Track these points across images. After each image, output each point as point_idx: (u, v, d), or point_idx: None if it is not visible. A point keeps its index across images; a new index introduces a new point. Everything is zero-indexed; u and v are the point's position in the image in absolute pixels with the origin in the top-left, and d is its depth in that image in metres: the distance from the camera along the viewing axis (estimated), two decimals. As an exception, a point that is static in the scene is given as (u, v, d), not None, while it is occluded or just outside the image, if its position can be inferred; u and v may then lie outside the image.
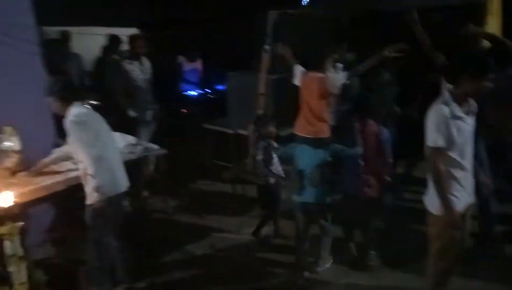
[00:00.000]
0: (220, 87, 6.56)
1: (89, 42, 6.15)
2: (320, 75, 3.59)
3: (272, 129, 3.36)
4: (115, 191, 2.68)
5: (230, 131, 4.71)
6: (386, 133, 3.00)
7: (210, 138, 5.02)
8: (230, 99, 5.01)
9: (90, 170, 2.53)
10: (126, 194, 2.85)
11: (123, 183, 2.79)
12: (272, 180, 3.38)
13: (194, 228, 3.87)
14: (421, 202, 2.41)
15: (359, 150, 2.95)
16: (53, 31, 5.69)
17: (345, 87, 3.65)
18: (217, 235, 3.74)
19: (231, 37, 6.65)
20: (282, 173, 3.43)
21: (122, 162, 2.86)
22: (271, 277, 3.18)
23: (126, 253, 2.97)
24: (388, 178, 3.03)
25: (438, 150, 2.14)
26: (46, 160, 2.93)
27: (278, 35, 4.23)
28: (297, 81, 3.75)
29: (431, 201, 2.27)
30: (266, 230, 3.61)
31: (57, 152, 3.00)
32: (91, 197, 2.60)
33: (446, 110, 2.12)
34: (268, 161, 3.33)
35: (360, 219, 3.20)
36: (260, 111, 4.23)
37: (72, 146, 2.63)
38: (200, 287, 3.02)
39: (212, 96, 6.69)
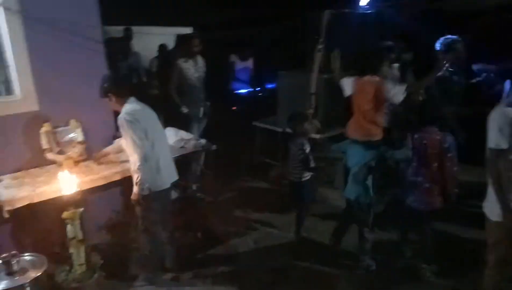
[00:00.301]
0: (271, 85, 6.59)
1: (147, 41, 6.45)
2: (375, 79, 3.42)
3: (308, 126, 3.36)
4: (160, 187, 2.77)
5: (279, 130, 4.70)
6: (450, 140, 2.81)
7: (259, 136, 5.06)
8: (280, 97, 5.00)
9: (136, 166, 2.65)
10: (175, 186, 2.95)
11: (169, 179, 2.86)
12: (305, 178, 3.37)
13: (239, 223, 3.92)
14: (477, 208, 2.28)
15: (407, 154, 2.83)
16: (114, 30, 5.99)
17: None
18: (262, 232, 3.76)
19: (284, 37, 6.64)
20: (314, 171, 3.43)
21: (171, 158, 2.95)
22: (311, 276, 3.15)
23: (174, 243, 3.09)
24: (454, 189, 2.83)
25: (500, 153, 2.09)
26: (107, 148, 3.11)
27: (332, 34, 4.16)
28: (347, 92, 3.48)
29: (491, 207, 2.18)
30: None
31: (116, 143, 3.16)
32: (135, 189, 2.72)
33: (510, 112, 2.09)
34: (302, 159, 3.32)
35: (418, 231, 3.06)
36: (310, 111, 4.19)
37: (123, 142, 2.76)
38: (242, 282, 3.05)
39: (262, 95, 6.74)
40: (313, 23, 4.36)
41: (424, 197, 2.84)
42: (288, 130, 3.55)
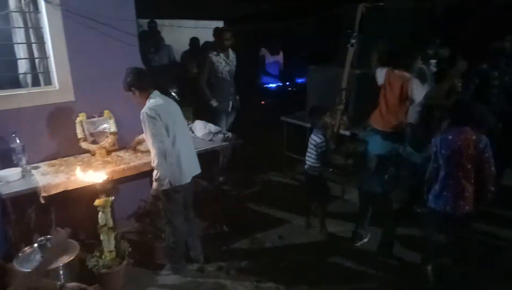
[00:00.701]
0: (300, 80, 6.51)
1: (179, 34, 6.50)
2: (403, 74, 3.43)
3: (327, 120, 3.38)
4: (181, 181, 2.79)
5: (307, 125, 4.65)
6: (485, 140, 2.65)
7: (286, 131, 5.03)
8: (309, 92, 4.95)
9: (154, 162, 2.68)
10: (202, 178, 2.96)
11: (191, 173, 2.87)
12: (323, 171, 3.42)
13: (265, 217, 3.93)
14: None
15: (424, 158, 2.80)
16: (146, 23, 6.09)
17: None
18: (287, 226, 3.76)
19: (316, 31, 6.53)
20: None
21: (193, 152, 2.97)
22: (337, 271, 3.13)
23: (198, 235, 3.14)
24: (491, 189, 2.67)
25: None
26: (141, 136, 3.14)
27: (366, 29, 4.05)
28: (380, 80, 3.70)
29: None
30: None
31: None
32: (154, 183, 2.76)
33: None
34: (321, 152, 3.35)
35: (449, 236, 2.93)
36: (340, 106, 4.12)
37: (145, 136, 2.76)
38: (266, 275, 3.05)
39: (291, 89, 6.68)
40: (347, 17, 4.26)
41: (456, 200, 2.72)
42: (308, 124, 3.59)
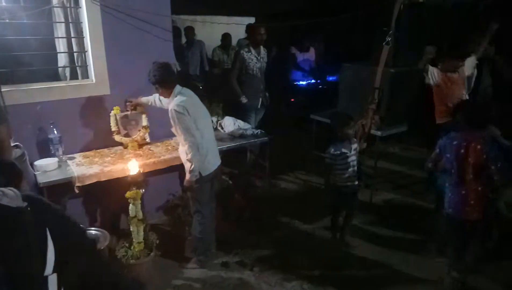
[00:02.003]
0: (332, 78, 6.41)
1: (210, 30, 6.55)
2: (455, 76, 3.56)
3: (348, 131, 3.11)
4: (208, 170, 2.86)
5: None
6: (495, 149, 2.53)
7: (315, 129, 4.96)
8: (341, 90, 4.85)
9: (188, 155, 2.72)
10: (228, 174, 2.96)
11: (215, 162, 2.95)
12: (345, 184, 3.17)
13: (291, 216, 3.90)
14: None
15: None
16: (178, 19, 6.16)
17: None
18: (313, 226, 3.71)
19: (349, 28, 6.40)
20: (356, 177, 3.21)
21: (215, 141, 3.03)
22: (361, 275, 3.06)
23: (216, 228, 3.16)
24: (495, 206, 2.64)
25: None
26: (143, 99, 3.20)
27: (403, 26, 3.92)
28: (433, 80, 3.73)
29: None
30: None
31: (153, 97, 3.19)
32: (189, 177, 2.80)
33: None
34: (342, 165, 3.13)
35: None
36: (372, 106, 4.01)
37: (175, 132, 2.81)
38: (290, 273, 3.04)
39: (322, 87, 6.58)
40: (382, 14, 4.13)
41: (459, 205, 2.65)
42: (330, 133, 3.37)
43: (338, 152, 3.12)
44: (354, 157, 3.17)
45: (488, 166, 2.52)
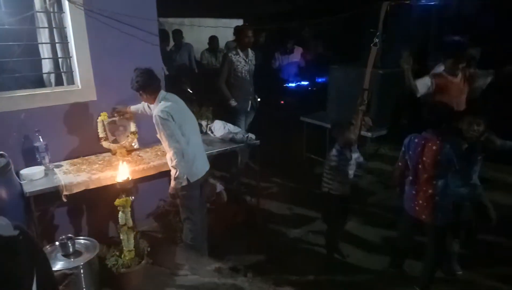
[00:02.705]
0: (322, 79, 6.42)
1: (198, 32, 6.51)
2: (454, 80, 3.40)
3: (349, 136, 3.04)
4: (196, 177, 2.84)
5: (327, 126, 4.58)
6: (446, 149, 2.53)
7: (306, 131, 4.96)
8: (330, 92, 4.87)
9: (172, 162, 2.69)
10: (219, 178, 2.93)
11: (203, 168, 2.93)
12: (344, 190, 3.11)
13: (283, 219, 3.89)
14: None
15: None
16: (166, 22, 6.11)
17: None
18: (304, 230, 3.70)
19: (337, 29, 6.43)
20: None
21: (203, 147, 3.01)
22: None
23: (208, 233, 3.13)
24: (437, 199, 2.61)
25: None
26: (131, 107, 3.15)
27: (390, 28, 3.94)
28: (423, 91, 3.49)
29: None
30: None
31: (141, 105, 3.14)
32: (174, 184, 2.78)
33: None
34: (341, 171, 3.06)
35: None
36: (362, 107, 4.02)
37: (160, 138, 2.77)
38: (282, 279, 3.01)
39: (311, 89, 6.60)
40: (370, 15, 4.16)
41: (410, 202, 2.74)
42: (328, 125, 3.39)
43: (340, 156, 3.05)
44: (354, 167, 3.10)
45: (440, 167, 2.55)
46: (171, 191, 2.81)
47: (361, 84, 4.09)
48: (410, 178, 2.73)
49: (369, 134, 4.26)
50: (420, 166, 2.63)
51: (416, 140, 2.66)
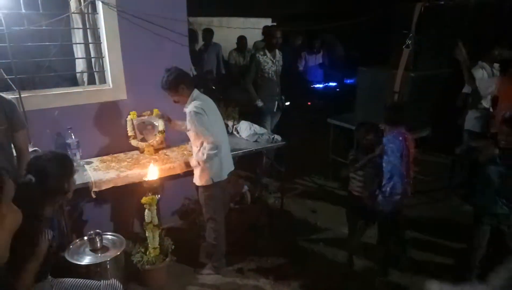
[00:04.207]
0: (350, 81, 6.32)
1: (226, 32, 6.52)
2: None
3: (370, 138, 2.92)
4: (221, 178, 2.85)
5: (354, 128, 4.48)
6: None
7: (333, 133, 4.88)
8: (359, 94, 4.76)
9: (205, 157, 2.69)
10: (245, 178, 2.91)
11: (229, 168, 2.94)
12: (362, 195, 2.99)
13: (306, 223, 3.85)
14: None
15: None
16: (195, 21, 6.15)
17: None
18: (331, 233, 3.65)
19: (369, 30, 6.29)
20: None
21: (229, 147, 3.02)
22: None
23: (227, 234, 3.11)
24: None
25: None
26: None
27: (423, 29, 3.81)
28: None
29: None
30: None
31: None
32: (198, 179, 2.81)
33: None
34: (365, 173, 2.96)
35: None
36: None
37: (191, 134, 2.79)
38: (305, 281, 2.99)
39: (338, 90, 6.50)
40: (402, 16, 4.04)
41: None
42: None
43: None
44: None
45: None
46: (206, 189, 2.83)
47: (391, 87, 3.98)
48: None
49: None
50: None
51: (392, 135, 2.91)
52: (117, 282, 2.09)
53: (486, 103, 3.81)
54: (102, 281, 2.07)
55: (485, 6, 4.57)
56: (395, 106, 3.31)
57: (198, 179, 2.85)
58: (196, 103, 2.71)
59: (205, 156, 2.69)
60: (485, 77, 3.80)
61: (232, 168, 3.00)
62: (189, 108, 2.70)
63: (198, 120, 2.66)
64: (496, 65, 3.84)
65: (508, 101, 3.31)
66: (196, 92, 2.79)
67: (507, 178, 2.48)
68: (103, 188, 2.78)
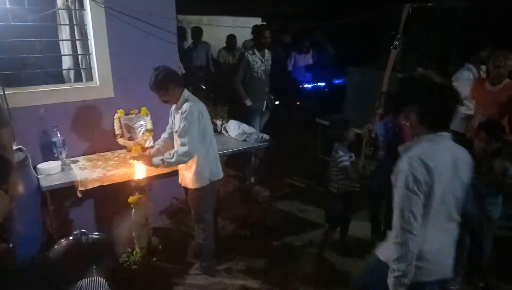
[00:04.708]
0: (339, 81, 6.35)
1: (216, 30, 6.49)
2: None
3: (350, 135, 3.11)
4: (217, 177, 2.87)
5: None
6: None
7: (321, 133, 4.91)
8: (347, 95, 4.81)
9: (197, 160, 2.68)
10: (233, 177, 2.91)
11: (220, 171, 2.94)
12: (342, 189, 3.09)
13: (295, 221, 3.86)
14: None
15: None
16: (184, 19, 6.08)
17: None
18: (318, 231, 3.66)
19: (356, 31, 6.34)
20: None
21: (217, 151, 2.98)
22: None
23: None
24: None
25: None
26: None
27: (411, 30, 3.86)
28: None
29: None
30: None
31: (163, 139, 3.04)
32: (193, 182, 2.77)
33: None
34: (342, 167, 3.04)
35: None
36: (379, 111, 3.95)
37: (176, 134, 2.73)
38: (292, 282, 2.99)
39: (327, 90, 6.53)
40: (390, 17, 4.07)
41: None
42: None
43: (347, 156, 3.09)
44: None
45: None
46: (199, 190, 2.79)
47: (380, 87, 4.01)
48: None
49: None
50: None
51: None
52: (101, 279, 2.05)
53: (470, 105, 3.87)
54: (84, 279, 2.03)
55: (473, 9, 4.64)
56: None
57: (191, 183, 2.78)
58: (197, 106, 2.66)
59: (173, 159, 2.61)
60: (470, 79, 3.86)
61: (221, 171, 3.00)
62: (185, 108, 2.63)
63: (191, 122, 2.59)
64: (484, 67, 3.90)
65: (482, 106, 3.33)
66: (186, 92, 2.74)
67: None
68: (89, 187, 2.75)
